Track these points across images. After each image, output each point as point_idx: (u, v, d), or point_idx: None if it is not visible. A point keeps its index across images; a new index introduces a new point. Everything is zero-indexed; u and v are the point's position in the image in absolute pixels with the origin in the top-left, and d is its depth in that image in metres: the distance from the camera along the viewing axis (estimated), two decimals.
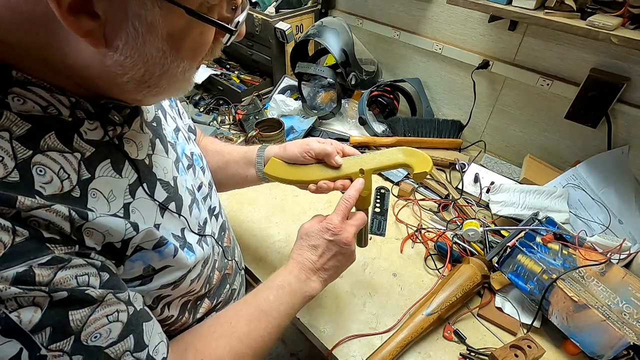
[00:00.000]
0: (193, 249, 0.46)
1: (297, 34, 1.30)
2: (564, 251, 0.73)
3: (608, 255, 0.73)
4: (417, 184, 1.00)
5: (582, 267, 0.70)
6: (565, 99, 0.94)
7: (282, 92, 1.30)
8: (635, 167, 0.92)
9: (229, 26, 0.33)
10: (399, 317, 0.70)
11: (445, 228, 0.87)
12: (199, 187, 0.54)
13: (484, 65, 1.03)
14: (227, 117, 1.25)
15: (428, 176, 0.78)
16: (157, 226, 0.40)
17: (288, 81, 1.31)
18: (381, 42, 1.29)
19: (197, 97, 1.33)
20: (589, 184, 0.92)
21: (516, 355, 0.59)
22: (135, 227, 0.37)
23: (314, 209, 0.94)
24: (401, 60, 1.27)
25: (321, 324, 0.69)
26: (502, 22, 0.96)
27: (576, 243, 0.74)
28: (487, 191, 0.94)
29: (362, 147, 1.10)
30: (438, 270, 0.80)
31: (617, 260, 0.76)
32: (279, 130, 1.04)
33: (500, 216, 0.88)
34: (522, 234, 0.75)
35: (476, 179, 0.98)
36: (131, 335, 0.36)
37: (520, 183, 0.98)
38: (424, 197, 0.98)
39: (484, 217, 0.91)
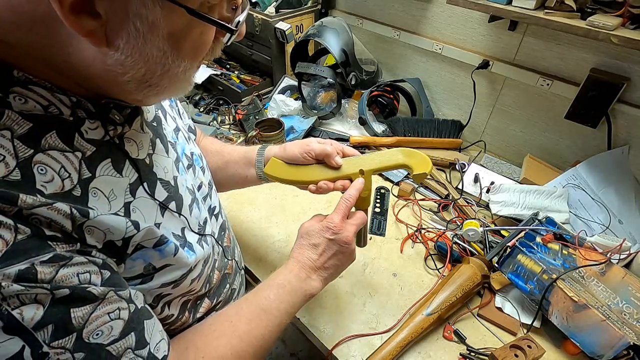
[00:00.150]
0: (193, 248, 0.46)
1: (297, 34, 1.30)
2: (564, 251, 0.73)
3: (608, 255, 0.73)
4: (417, 184, 1.00)
5: (582, 267, 0.70)
6: (565, 99, 0.94)
7: (282, 92, 1.30)
8: (635, 167, 0.92)
9: (230, 26, 0.33)
10: (399, 317, 0.70)
11: (445, 228, 0.88)
12: (199, 187, 0.54)
13: (484, 65, 1.04)
14: (227, 117, 1.25)
15: (428, 176, 0.78)
16: (157, 225, 0.40)
17: (288, 81, 1.31)
18: (381, 42, 1.29)
19: (197, 97, 1.33)
20: (589, 184, 0.92)
21: (516, 355, 0.59)
22: (135, 225, 0.37)
23: (314, 209, 0.94)
24: (401, 60, 1.27)
25: (321, 324, 0.69)
26: (502, 22, 0.96)
27: (576, 243, 0.74)
28: (487, 191, 0.94)
29: (362, 147, 1.11)
30: (438, 270, 0.80)
31: (617, 260, 0.76)
32: (279, 130, 1.04)
33: (500, 216, 0.88)
34: (522, 234, 0.75)
35: (476, 179, 0.99)
36: (132, 333, 0.36)
37: (520, 183, 0.98)
38: (424, 197, 0.98)
39: (484, 217, 0.91)
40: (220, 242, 0.57)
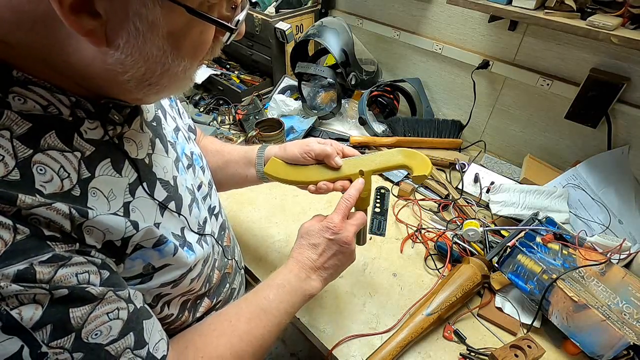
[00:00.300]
0: (193, 248, 0.46)
1: (297, 34, 1.30)
2: (564, 251, 0.73)
3: (608, 255, 0.73)
4: (417, 184, 1.00)
5: (582, 267, 0.70)
6: (565, 99, 0.94)
7: (282, 92, 1.30)
8: (635, 167, 0.92)
9: (229, 25, 0.33)
10: (399, 317, 0.70)
11: (445, 228, 0.87)
12: (199, 187, 0.54)
13: (484, 65, 1.04)
14: (227, 117, 1.25)
15: (428, 177, 0.78)
16: (157, 225, 0.40)
17: (288, 81, 1.31)
18: (381, 42, 1.29)
19: (197, 97, 1.33)
20: (589, 184, 0.92)
21: (516, 355, 0.59)
22: (135, 225, 0.37)
23: (314, 209, 0.94)
24: (401, 60, 1.27)
25: (321, 324, 0.69)
26: (502, 22, 0.96)
27: (576, 243, 0.74)
28: (487, 191, 0.94)
29: (362, 147, 1.11)
30: (438, 270, 0.80)
31: (617, 260, 0.76)
32: (279, 130, 1.04)
33: (500, 216, 0.88)
34: (522, 234, 0.75)
35: (476, 179, 0.98)
36: (131, 333, 0.36)
37: (520, 183, 0.98)
38: (424, 197, 0.98)
39: (484, 217, 0.91)
40: (220, 242, 0.57)
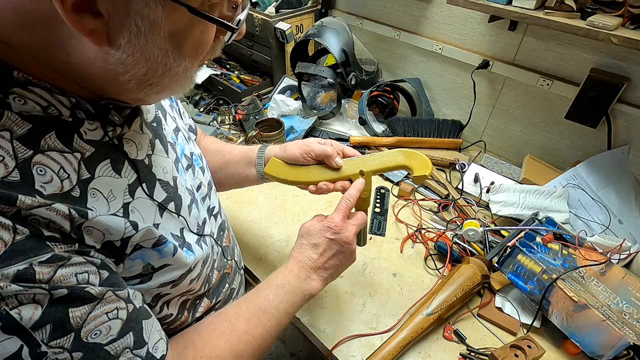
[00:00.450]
0: (192, 248, 0.46)
1: (297, 34, 1.30)
2: (564, 251, 0.73)
3: (608, 255, 0.73)
4: (418, 184, 1.00)
5: (582, 267, 0.70)
6: (565, 99, 0.94)
7: (282, 92, 1.30)
8: (635, 167, 0.92)
9: (231, 24, 0.33)
10: (399, 317, 0.70)
11: (445, 228, 0.87)
12: (198, 187, 0.54)
13: (484, 65, 1.03)
14: (227, 117, 1.25)
15: (428, 178, 0.78)
16: (156, 225, 0.40)
17: (288, 81, 1.31)
18: (381, 42, 1.29)
19: (197, 97, 1.33)
20: (589, 184, 0.92)
21: (516, 355, 0.59)
22: (134, 226, 0.37)
23: (314, 209, 0.94)
24: (401, 60, 1.27)
25: (321, 324, 0.69)
26: (502, 22, 0.96)
27: (576, 243, 0.74)
28: (487, 191, 0.94)
29: (362, 147, 1.11)
30: (438, 270, 0.80)
31: (617, 260, 0.76)
32: (279, 130, 1.04)
33: (500, 216, 0.88)
34: (522, 234, 0.75)
35: (476, 179, 0.98)
36: (131, 333, 0.36)
37: (520, 183, 0.98)
38: (424, 197, 0.98)
39: (484, 217, 0.91)
40: (219, 242, 0.57)
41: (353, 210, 0.59)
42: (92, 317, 0.32)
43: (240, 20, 0.35)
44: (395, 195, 0.99)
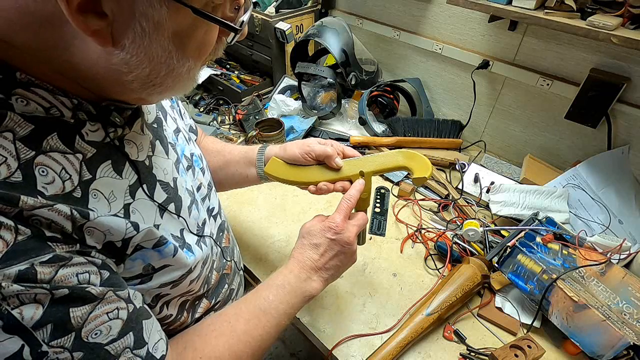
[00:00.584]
0: (192, 249, 0.46)
1: (297, 34, 1.30)
2: (564, 251, 0.73)
3: (608, 255, 0.73)
4: (417, 185, 1.00)
5: (582, 267, 0.70)
6: (565, 99, 0.94)
7: (282, 92, 1.30)
8: (635, 167, 0.92)
9: (234, 25, 0.33)
10: (399, 317, 0.70)
11: (445, 228, 0.88)
12: (198, 188, 0.54)
13: (484, 65, 1.04)
14: (227, 117, 1.25)
15: (428, 180, 0.78)
16: (156, 226, 0.40)
17: (288, 81, 1.31)
18: (381, 42, 1.29)
19: (197, 97, 1.33)
20: (589, 184, 0.92)
21: (516, 355, 0.59)
22: (135, 226, 0.37)
23: (314, 209, 0.94)
24: (401, 60, 1.27)
25: (321, 324, 0.69)
26: (502, 22, 0.96)
27: (576, 243, 0.74)
28: (487, 191, 0.94)
29: (362, 147, 1.11)
30: (438, 270, 0.80)
31: (617, 260, 0.76)
32: (279, 130, 1.04)
33: (500, 216, 0.88)
34: (522, 234, 0.75)
35: (476, 179, 0.99)
36: (131, 333, 0.36)
37: (520, 183, 0.98)
38: (424, 197, 0.98)
39: (484, 217, 0.91)
40: (218, 243, 0.57)
41: (353, 210, 0.59)
42: (92, 317, 0.32)
43: (243, 21, 0.35)
44: (395, 195, 0.99)
